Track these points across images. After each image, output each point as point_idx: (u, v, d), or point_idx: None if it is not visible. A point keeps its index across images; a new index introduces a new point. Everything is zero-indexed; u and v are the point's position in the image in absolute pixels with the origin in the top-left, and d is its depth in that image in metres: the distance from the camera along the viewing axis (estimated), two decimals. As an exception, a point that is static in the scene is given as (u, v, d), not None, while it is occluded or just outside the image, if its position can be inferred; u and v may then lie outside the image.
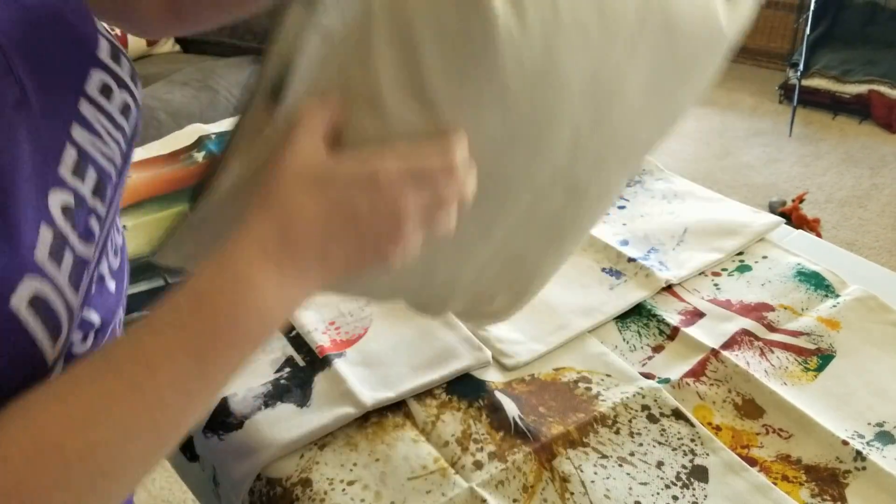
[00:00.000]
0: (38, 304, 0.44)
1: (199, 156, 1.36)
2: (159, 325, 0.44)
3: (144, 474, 0.45)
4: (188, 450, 0.92)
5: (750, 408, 0.86)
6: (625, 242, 1.11)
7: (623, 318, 0.99)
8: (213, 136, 1.40)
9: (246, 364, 0.46)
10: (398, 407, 0.87)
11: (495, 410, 0.86)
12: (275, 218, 0.46)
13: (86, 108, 0.52)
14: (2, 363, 0.42)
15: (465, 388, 0.90)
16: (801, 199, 2.42)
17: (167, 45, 2.61)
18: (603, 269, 1.06)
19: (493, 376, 0.92)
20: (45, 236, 0.45)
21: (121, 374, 0.42)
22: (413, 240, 0.49)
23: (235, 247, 0.46)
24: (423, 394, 0.89)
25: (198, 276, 0.45)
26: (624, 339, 0.96)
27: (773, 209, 2.45)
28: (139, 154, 1.37)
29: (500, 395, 0.88)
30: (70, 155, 0.49)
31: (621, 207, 1.19)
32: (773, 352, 0.93)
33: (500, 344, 0.95)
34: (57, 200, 0.47)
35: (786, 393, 0.86)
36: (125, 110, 0.57)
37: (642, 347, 0.95)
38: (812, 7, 2.80)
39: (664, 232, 1.13)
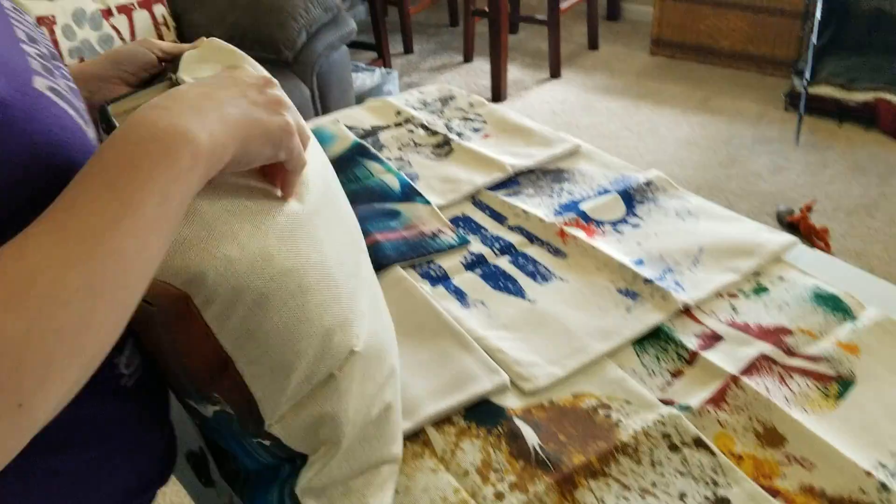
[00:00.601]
0: (57, 94, 0.54)
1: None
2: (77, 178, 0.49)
3: (115, 312, 0.47)
4: (203, 475, 0.91)
5: (772, 436, 0.85)
6: (639, 262, 1.10)
7: (640, 341, 0.99)
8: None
9: (166, 191, 0.49)
10: (417, 434, 0.87)
11: (515, 438, 0.85)
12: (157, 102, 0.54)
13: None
14: (61, 131, 0.52)
15: (483, 414, 0.89)
16: (809, 209, 2.42)
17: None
18: (619, 291, 1.06)
19: (511, 401, 0.91)
20: (34, 62, 0.57)
21: (46, 219, 0.46)
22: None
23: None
24: (442, 420, 0.89)
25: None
26: (642, 364, 0.95)
27: (780, 218, 2.44)
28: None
29: (519, 422, 0.87)
30: (24, 33, 0.61)
31: (635, 226, 1.19)
32: (792, 378, 0.92)
33: (518, 367, 0.94)
34: (29, 51, 0.58)
35: (807, 421, 0.86)
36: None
37: (661, 373, 0.94)
38: (818, 15, 2.80)
39: (679, 251, 1.12)
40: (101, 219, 0.46)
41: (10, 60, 0.52)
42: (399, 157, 1.42)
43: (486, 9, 3.37)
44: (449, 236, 1.18)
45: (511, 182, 1.33)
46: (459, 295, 1.08)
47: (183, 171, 0.50)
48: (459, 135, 1.47)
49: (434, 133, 1.48)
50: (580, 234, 1.16)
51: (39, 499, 0.62)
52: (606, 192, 1.27)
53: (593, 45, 3.71)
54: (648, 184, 1.28)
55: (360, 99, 2.84)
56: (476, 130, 1.48)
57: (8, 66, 0.51)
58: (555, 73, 3.45)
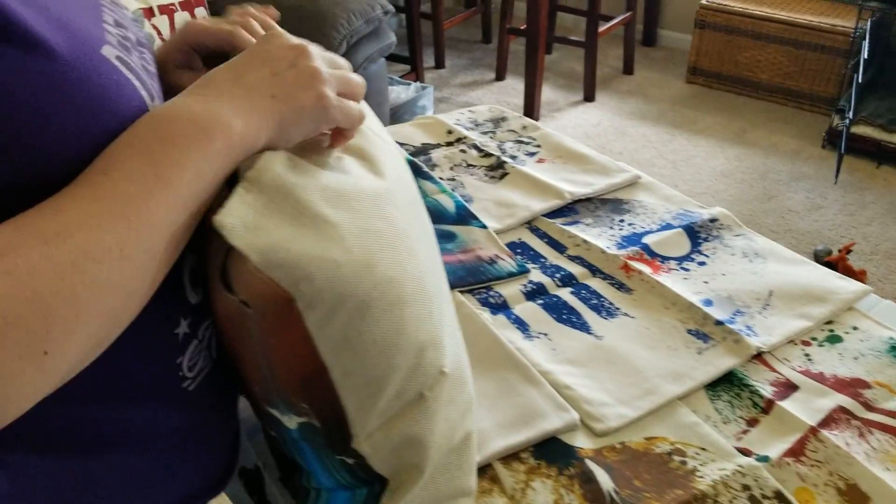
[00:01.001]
0: (125, 64, 0.53)
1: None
2: (112, 149, 0.50)
3: (138, 284, 0.49)
4: (256, 493, 0.88)
5: (855, 494, 0.82)
6: (708, 302, 1.07)
7: (713, 385, 0.95)
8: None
9: (199, 170, 0.51)
10: (483, 469, 0.84)
11: (588, 481, 0.82)
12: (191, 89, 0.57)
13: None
14: (118, 97, 0.50)
15: (553, 452, 0.86)
16: (848, 250, 2.38)
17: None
18: (689, 331, 1.02)
19: (581, 441, 0.88)
20: (112, 32, 0.56)
21: (83, 182, 0.48)
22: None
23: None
24: (509, 456, 0.85)
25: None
26: (716, 410, 0.92)
27: (818, 258, 2.40)
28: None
29: (591, 464, 0.84)
30: (109, 15, 0.59)
31: (701, 264, 1.15)
32: (872, 433, 0.88)
33: (588, 406, 0.91)
34: (108, 28, 0.57)
35: (891, 480, 0.82)
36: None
37: (736, 420, 0.91)
38: (864, 54, 2.76)
39: (748, 294, 1.09)
40: (137, 187, 0.48)
41: (83, 28, 0.52)
42: (451, 177, 1.39)
43: (522, 27, 3.35)
44: (508, 263, 1.15)
45: (568, 209, 1.29)
46: (521, 325, 1.04)
47: (216, 153, 0.52)
48: (513, 158, 1.44)
49: (487, 155, 1.45)
50: (645, 269, 1.13)
51: (91, 498, 0.60)
52: (669, 226, 1.23)
53: (628, 69, 3.68)
54: (713, 221, 1.24)
55: (393, 112, 2.81)
56: (530, 154, 1.45)
57: (77, 32, 0.51)
58: (589, 97, 3.42)
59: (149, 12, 2.43)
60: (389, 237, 0.61)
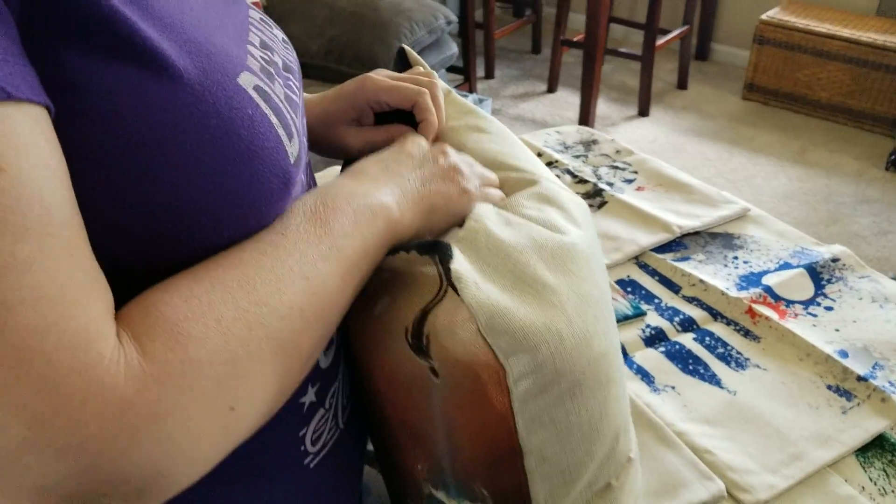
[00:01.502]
0: (263, 93, 0.49)
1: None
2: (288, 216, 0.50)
3: (312, 342, 0.48)
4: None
5: None
6: (844, 353, 0.99)
7: (863, 450, 0.87)
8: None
9: (366, 246, 0.51)
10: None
11: (747, 563, 0.74)
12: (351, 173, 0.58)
13: (253, 19, 0.61)
14: (250, 135, 0.46)
15: (701, 527, 0.78)
16: (924, 280, 2.28)
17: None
18: (828, 387, 0.94)
19: (728, 514, 0.80)
20: (255, 58, 0.52)
21: (261, 239, 0.47)
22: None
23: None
24: (653, 529, 0.78)
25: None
26: (870, 479, 0.84)
27: (893, 288, 2.31)
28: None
29: (747, 543, 0.76)
30: (254, 37, 0.56)
31: (829, 309, 1.07)
32: None
33: (732, 473, 0.83)
34: (253, 52, 0.53)
35: None
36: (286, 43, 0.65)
37: (894, 492, 0.83)
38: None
39: (885, 344, 1.01)
40: (315, 251, 0.48)
41: (221, 50, 0.48)
42: (546, 204, 1.32)
43: (577, 38, 3.27)
44: (622, 304, 1.07)
45: (676, 244, 1.22)
46: (646, 376, 0.97)
47: (379, 232, 0.53)
48: (610, 184, 1.36)
49: (583, 181, 1.37)
50: (772, 314, 1.05)
51: None
52: (788, 265, 1.15)
53: (682, 84, 3.59)
54: (835, 260, 1.16)
55: (450, 124, 2.74)
56: (628, 181, 1.38)
57: (214, 55, 0.47)
58: (643, 111, 3.34)
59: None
60: (601, 305, 0.54)
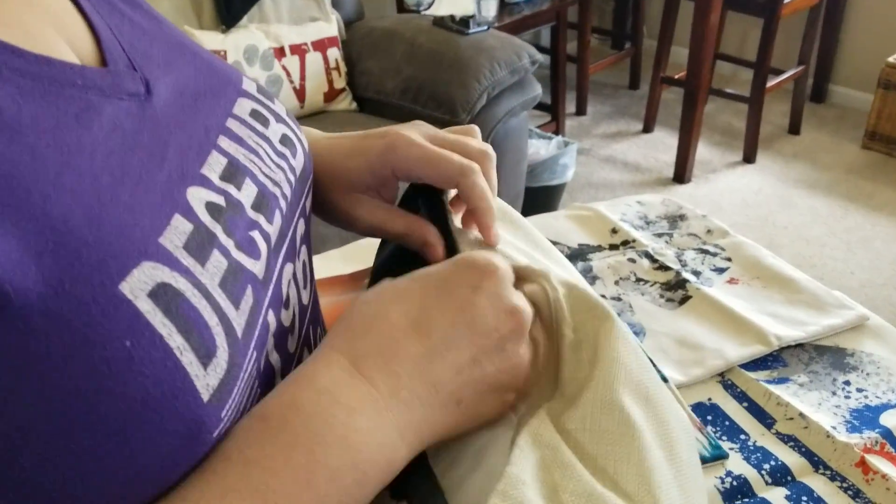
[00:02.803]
0: (167, 298, 0.35)
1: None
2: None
3: None
4: None
5: None
6: None
7: None
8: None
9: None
10: None
11: None
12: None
13: (234, 125, 0.50)
14: (124, 387, 0.32)
15: None
16: None
17: (344, 103, 2.41)
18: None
19: None
20: (180, 226, 0.39)
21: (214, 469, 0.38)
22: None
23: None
24: None
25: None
26: None
27: None
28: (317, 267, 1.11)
29: None
30: (217, 160, 0.46)
31: (969, 466, 0.84)
32: None
33: None
34: (199, 195, 0.42)
35: None
36: (285, 141, 0.54)
37: None
38: None
39: None
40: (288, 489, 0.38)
41: (114, 233, 0.34)
42: (617, 295, 1.12)
43: (679, 76, 3.04)
44: (699, 442, 0.87)
45: (772, 357, 1.00)
46: (723, 550, 0.76)
47: (369, 481, 0.42)
48: (696, 274, 1.15)
49: (664, 267, 1.17)
50: (891, 470, 0.83)
51: None
52: (916, 399, 0.92)
53: (794, 129, 3.30)
54: (979, 396, 0.92)
55: (531, 170, 2.55)
56: (719, 271, 1.17)
57: (90, 252, 0.33)
58: (749, 157, 3.08)
59: (279, 52, 2.27)
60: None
